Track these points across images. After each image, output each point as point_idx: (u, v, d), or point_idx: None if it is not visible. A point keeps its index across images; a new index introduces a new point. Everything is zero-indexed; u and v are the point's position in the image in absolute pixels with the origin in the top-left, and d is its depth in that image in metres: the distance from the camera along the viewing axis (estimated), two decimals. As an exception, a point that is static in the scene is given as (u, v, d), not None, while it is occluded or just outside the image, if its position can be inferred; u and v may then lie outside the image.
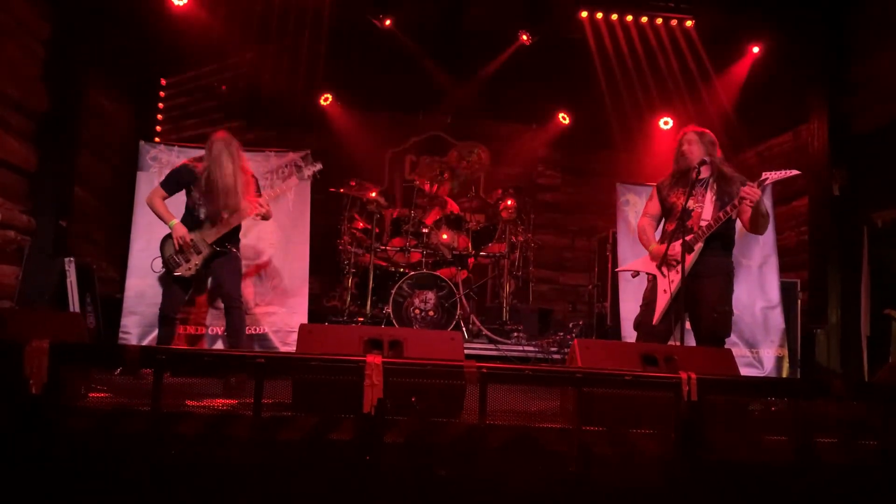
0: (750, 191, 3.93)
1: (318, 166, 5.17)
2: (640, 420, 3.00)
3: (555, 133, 9.23)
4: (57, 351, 2.74)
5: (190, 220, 4.83)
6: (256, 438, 2.82)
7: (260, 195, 4.95)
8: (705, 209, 4.19)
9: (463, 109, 8.90)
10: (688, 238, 4.07)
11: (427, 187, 7.29)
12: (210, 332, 5.85)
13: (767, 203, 4.98)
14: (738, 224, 4.27)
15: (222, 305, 5.01)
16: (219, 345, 5.78)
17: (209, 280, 5.16)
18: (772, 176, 3.99)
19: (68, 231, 5.94)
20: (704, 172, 4.25)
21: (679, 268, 4.04)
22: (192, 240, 4.74)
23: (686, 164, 4.24)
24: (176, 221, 4.79)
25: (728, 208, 4.07)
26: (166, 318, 4.83)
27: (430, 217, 7.21)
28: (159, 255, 4.86)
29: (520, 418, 3.08)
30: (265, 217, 4.95)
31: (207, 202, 4.77)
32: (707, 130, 4.35)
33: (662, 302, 4.15)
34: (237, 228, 4.92)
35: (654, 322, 4.15)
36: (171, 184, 4.90)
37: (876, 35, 6.38)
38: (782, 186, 6.32)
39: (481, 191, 8.43)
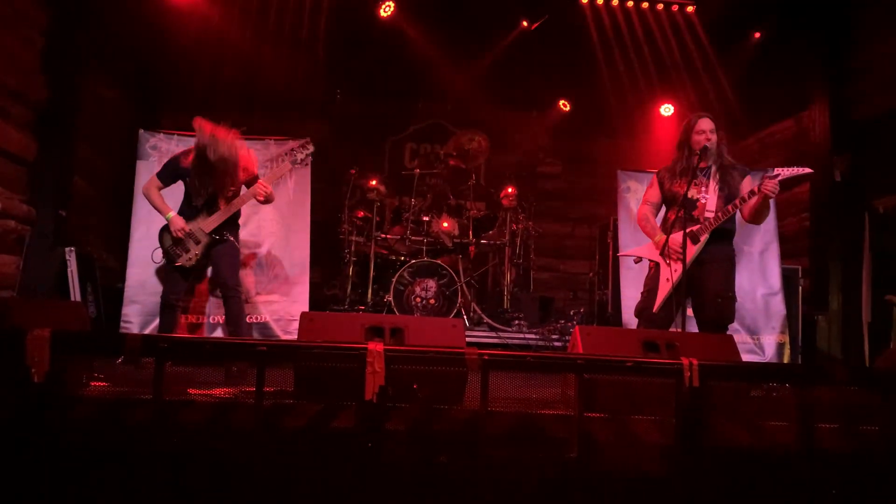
0: (771, 186, 3.90)
1: (311, 149, 5.13)
2: (641, 406, 3.00)
3: (555, 120, 9.20)
4: (59, 340, 2.74)
5: (188, 209, 4.81)
6: (258, 426, 2.83)
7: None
8: (710, 200, 4.18)
9: (463, 97, 8.85)
10: (694, 228, 4.06)
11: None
12: (211, 320, 5.86)
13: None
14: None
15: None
16: (218, 333, 5.79)
17: (209, 269, 5.16)
18: (784, 172, 3.97)
19: (68, 220, 5.94)
20: (707, 161, 4.24)
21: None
22: (190, 230, 4.72)
23: (705, 152, 4.20)
24: (173, 214, 4.77)
25: (737, 201, 4.06)
26: (169, 305, 4.82)
27: (430, 205, 7.20)
28: (159, 245, 4.85)
29: (521, 405, 3.08)
30: (268, 199, 4.87)
31: (203, 182, 4.69)
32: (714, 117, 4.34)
33: (664, 290, 4.16)
34: (236, 216, 4.90)
35: (655, 310, 4.16)
36: (168, 174, 4.87)
37: (878, 21, 6.35)
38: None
39: (482, 178, 8.41)
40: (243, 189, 4.86)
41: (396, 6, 7.55)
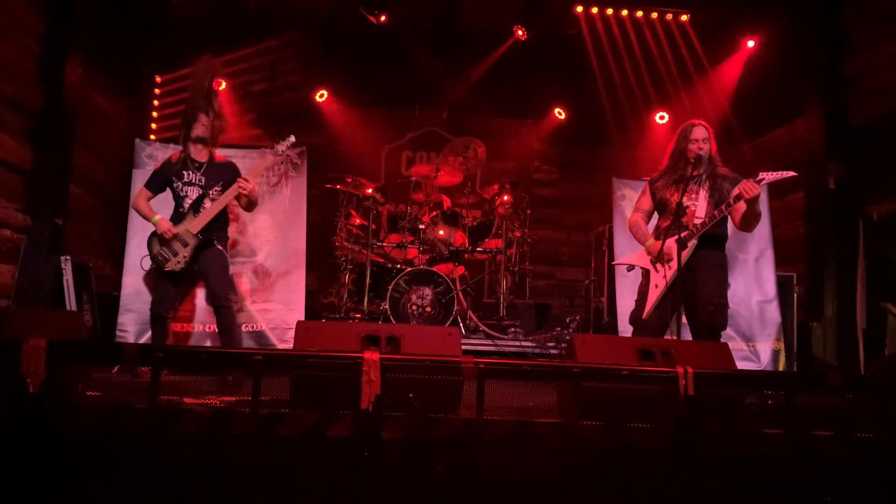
0: (749, 186, 3.93)
1: (292, 139, 5.06)
2: (637, 414, 3.01)
3: (551, 128, 9.23)
4: (54, 349, 2.74)
5: (175, 215, 4.84)
6: (254, 435, 2.83)
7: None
8: (699, 207, 4.20)
9: (459, 105, 8.90)
10: (682, 235, 4.08)
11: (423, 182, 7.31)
12: (207, 329, 5.85)
13: (763, 199, 4.98)
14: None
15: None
16: (208, 342, 5.79)
17: (198, 277, 5.15)
18: (768, 177, 3.99)
19: (64, 229, 5.93)
20: (699, 169, 4.26)
21: (672, 263, 4.08)
22: (177, 232, 4.73)
23: (699, 161, 4.21)
24: (159, 217, 4.79)
25: (723, 207, 4.08)
26: (158, 318, 4.81)
27: (426, 213, 7.21)
28: (147, 253, 4.86)
29: (517, 413, 3.09)
30: (251, 200, 4.84)
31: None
32: (708, 125, 4.36)
33: (653, 296, 4.20)
34: (223, 220, 4.91)
35: (644, 316, 4.19)
36: (156, 182, 4.90)
37: (871, 28, 6.39)
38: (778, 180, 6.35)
39: (477, 186, 8.43)
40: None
41: (390, 15, 7.58)
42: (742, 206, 4.04)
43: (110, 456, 2.79)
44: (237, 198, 4.85)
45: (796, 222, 7.09)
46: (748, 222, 4.13)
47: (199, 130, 4.83)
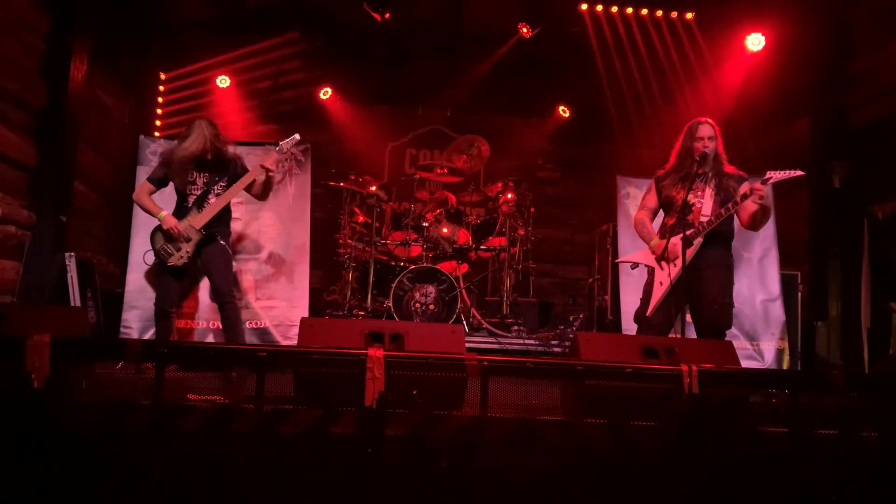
0: (762, 189, 3.92)
1: (297, 137, 5.09)
2: (641, 412, 3.00)
3: (555, 126, 9.22)
4: (59, 345, 2.74)
5: (179, 210, 4.85)
6: (258, 432, 2.83)
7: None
8: (705, 204, 4.19)
9: (463, 103, 8.90)
10: (688, 233, 4.07)
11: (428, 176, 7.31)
12: (211, 325, 5.86)
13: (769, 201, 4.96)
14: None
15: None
16: (210, 339, 5.80)
17: (201, 274, 5.16)
18: (776, 175, 3.98)
19: (69, 226, 5.94)
20: (705, 167, 4.25)
21: (677, 261, 4.07)
22: (181, 228, 4.74)
23: (704, 159, 4.20)
24: (165, 213, 4.80)
25: (730, 205, 4.07)
26: (162, 313, 4.83)
27: (430, 211, 7.21)
28: (150, 248, 4.87)
29: (521, 411, 3.08)
30: (269, 180, 4.87)
31: (179, 174, 4.81)
32: (714, 123, 4.34)
33: (657, 294, 4.19)
34: (226, 215, 4.93)
35: (648, 314, 4.19)
36: (159, 177, 4.92)
37: (877, 28, 6.38)
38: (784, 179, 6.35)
39: (481, 184, 8.43)
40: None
41: (394, 13, 7.58)
42: (749, 205, 4.04)
43: (114, 452, 2.79)
44: (250, 186, 4.89)
45: (801, 221, 7.08)
46: (757, 221, 4.12)
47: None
